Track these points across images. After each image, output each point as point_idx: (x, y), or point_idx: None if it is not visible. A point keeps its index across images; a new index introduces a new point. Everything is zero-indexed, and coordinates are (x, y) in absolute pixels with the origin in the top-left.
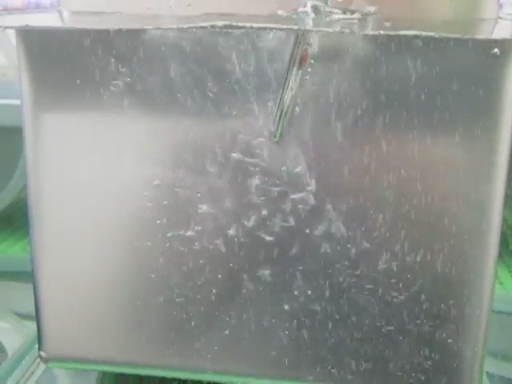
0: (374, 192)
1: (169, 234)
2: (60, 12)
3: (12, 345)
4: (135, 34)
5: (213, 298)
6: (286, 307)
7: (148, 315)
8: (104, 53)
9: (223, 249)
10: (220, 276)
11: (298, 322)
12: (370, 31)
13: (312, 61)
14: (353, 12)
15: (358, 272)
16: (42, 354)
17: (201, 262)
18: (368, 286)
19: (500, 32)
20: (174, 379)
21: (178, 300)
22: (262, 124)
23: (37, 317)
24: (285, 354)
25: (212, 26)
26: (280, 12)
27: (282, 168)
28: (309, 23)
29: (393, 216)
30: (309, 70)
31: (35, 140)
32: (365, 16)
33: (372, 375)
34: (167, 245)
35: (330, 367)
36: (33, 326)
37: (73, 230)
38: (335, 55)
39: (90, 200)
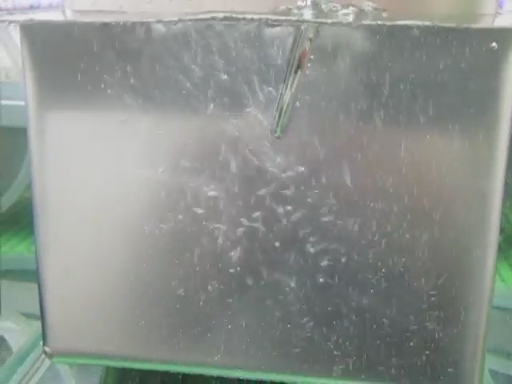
0: (374, 188)
1: (173, 232)
2: (63, 11)
3: (17, 343)
4: (140, 31)
5: (219, 292)
6: (292, 302)
7: (152, 310)
8: (109, 51)
9: (228, 244)
10: (225, 272)
11: (304, 316)
12: (367, 22)
13: (312, 56)
14: (352, 7)
15: (360, 270)
16: (47, 349)
17: (206, 257)
18: (369, 284)
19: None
20: (178, 374)
21: (182, 296)
22: (263, 120)
23: (41, 312)
24: (292, 348)
25: (213, 18)
26: (281, 7)
27: (284, 165)
28: (308, 17)
29: (392, 212)
30: (309, 64)
31: (40, 139)
32: (364, 11)
33: (372, 374)
34: (172, 241)
35: (332, 363)
36: (38, 324)
37: (77, 228)
38: (335, 50)
39: (94, 198)
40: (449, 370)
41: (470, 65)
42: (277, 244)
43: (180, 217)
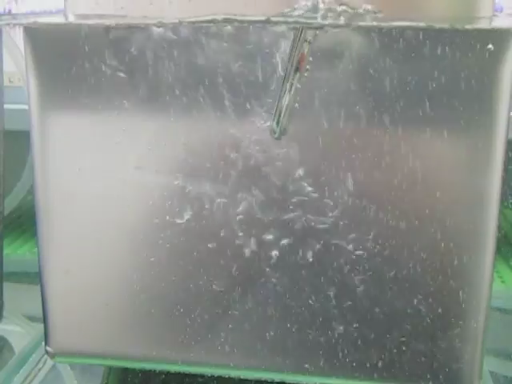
0: (373, 188)
1: (175, 233)
2: (65, 15)
3: (20, 345)
4: (142, 34)
5: (220, 292)
6: (292, 302)
7: (154, 310)
8: (112, 54)
9: (228, 244)
10: (226, 273)
11: (304, 316)
12: (365, 23)
13: (311, 58)
14: (349, 9)
15: (363, 271)
16: (49, 349)
17: (207, 258)
18: (368, 284)
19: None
20: (180, 373)
21: (185, 295)
22: (263, 122)
23: (43, 312)
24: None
25: (213, 20)
26: (280, 10)
27: (283, 167)
28: (307, 20)
29: (390, 213)
30: (308, 67)
31: (42, 142)
32: (361, 13)
33: (372, 374)
34: (174, 242)
35: (333, 363)
36: (40, 326)
37: (79, 230)
38: (333, 52)
39: (96, 201)
40: (448, 371)
41: (467, 66)
42: (276, 245)
43: (181, 219)
